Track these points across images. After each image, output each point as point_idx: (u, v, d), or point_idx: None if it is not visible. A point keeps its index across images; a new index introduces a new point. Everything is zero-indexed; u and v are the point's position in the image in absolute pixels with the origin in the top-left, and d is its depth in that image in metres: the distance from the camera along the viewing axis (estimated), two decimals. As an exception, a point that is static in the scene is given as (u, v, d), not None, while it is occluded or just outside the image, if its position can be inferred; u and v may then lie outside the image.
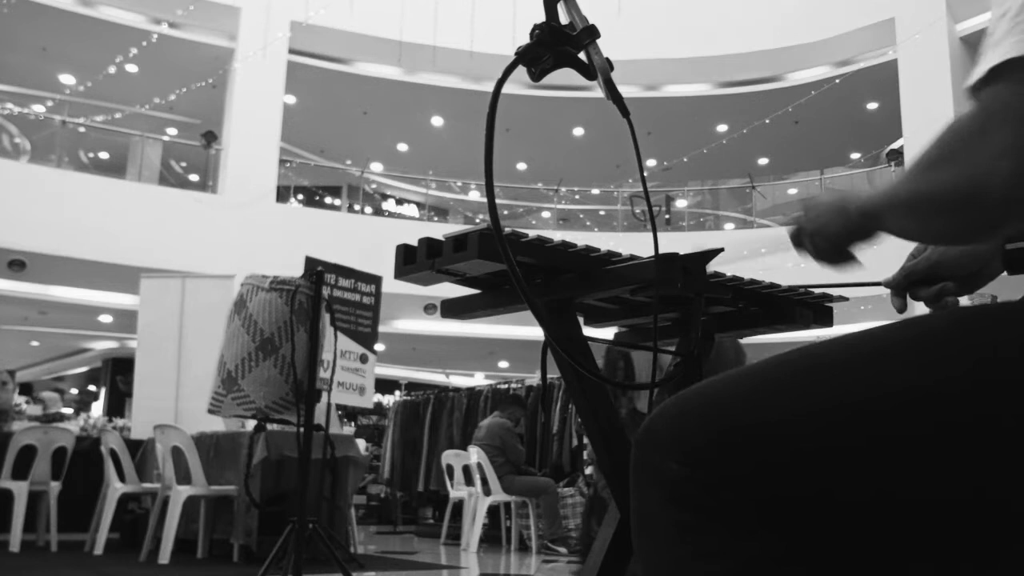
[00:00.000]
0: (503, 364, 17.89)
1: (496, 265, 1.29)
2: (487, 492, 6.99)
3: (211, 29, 13.98)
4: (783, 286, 1.57)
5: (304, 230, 12.80)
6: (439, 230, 1.59)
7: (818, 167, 15.70)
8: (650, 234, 1.18)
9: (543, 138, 16.62)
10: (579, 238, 1.49)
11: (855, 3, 13.51)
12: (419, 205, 18.03)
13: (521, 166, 17.70)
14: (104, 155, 15.17)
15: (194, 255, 11.59)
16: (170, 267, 10.34)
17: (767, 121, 14.57)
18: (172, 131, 15.31)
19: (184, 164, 15.29)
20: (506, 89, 0.98)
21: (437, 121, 16.62)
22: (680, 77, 15.09)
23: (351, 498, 5.94)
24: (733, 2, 14.26)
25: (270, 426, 4.60)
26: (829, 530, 0.78)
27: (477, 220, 16.20)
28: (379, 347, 7.36)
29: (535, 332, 12.54)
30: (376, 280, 7.37)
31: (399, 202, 18.59)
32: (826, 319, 1.64)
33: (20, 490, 5.78)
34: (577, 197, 16.86)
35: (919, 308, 1.14)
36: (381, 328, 7.50)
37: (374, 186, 18.03)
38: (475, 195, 16.79)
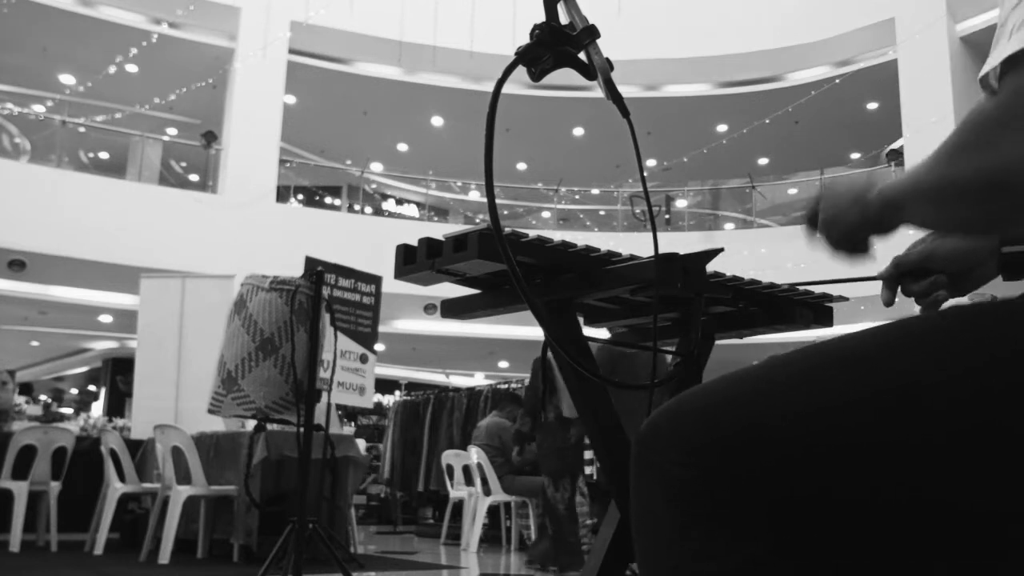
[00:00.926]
0: (503, 364, 17.89)
1: (496, 265, 1.29)
2: (487, 492, 6.99)
3: (211, 29, 13.98)
4: (783, 286, 1.57)
5: (304, 230, 12.80)
6: (439, 230, 1.59)
7: (818, 167, 15.70)
8: (650, 234, 1.18)
9: (543, 138, 16.62)
10: (579, 238, 1.49)
11: (855, 3, 13.51)
12: (419, 205, 18.03)
13: (521, 166, 17.70)
14: (104, 155, 15.17)
15: (194, 255, 11.59)
16: (170, 267, 10.33)
17: (767, 121, 14.57)
18: (172, 131, 15.31)
19: (184, 164, 15.29)
20: (506, 89, 0.98)
21: (437, 121, 16.62)
22: (680, 77, 15.09)
23: (351, 498, 5.94)
24: (733, 2, 14.26)
25: (270, 426, 4.60)
26: (830, 529, 0.77)
27: (477, 220, 16.20)
28: (379, 347, 7.36)
29: (535, 332, 12.55)
30: (376, 280, 7.37)
31: (399, 202, 18.59)
32: (826, 319, 1.64)
33: (20, 490, 5.78)
34: (577, 197, 16.86)
35: (909, 306, 1.13)
36: (381, 328, 7.50)
37: (374, 186, 18.03)
38: (475, 195, 16.79)
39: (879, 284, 1.19)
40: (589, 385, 1.46)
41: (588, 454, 7.65)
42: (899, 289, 1.17)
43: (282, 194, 14.64)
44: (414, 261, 1.39)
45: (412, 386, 14.50)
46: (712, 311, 1.61)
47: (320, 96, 15.44)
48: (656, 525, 0.81)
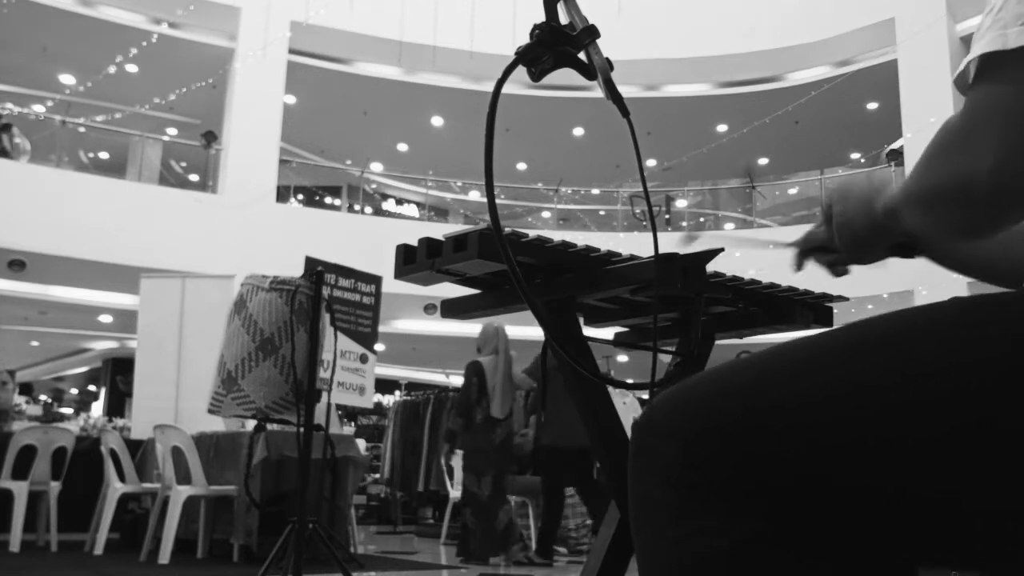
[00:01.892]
0: (503, 364, 17.87)
1: (496, 265, 1.29)
2: (487, 492, 6.98)
3: (211, 29, 13.98)
4: (783, 286, 1.57)
5: (304, 230, 12.80)
6: (439, 230, 1.59)
7: (818, 167, 15.70)
8: (650, 234, 1.18)
9: (543, 138, 16.62)
10: (579, 238, 1.49)
11: (855, 3, 13.51)
12: (419, 205, 18.03)
13: (521, 166, 17.70)
14: (104, 155, 15.17)
15: (194, 255, 11.59)
16: (170, 267, 10.33)
17: (767, 121, 14.57)
18: (172, 131, 15.31)
19: (184, 164, 15.29)
20: (506, 89, 0.98)
21: (437, 121, 16.61)
22: (680, 77, 15.09)
23: (351, 498, 5.94)
24: (733, 2, 14.26)
25: (270, 426, 4.60)
26: (825, 516, 0.78)
27: (477, 220, 16.20)
28: (379, 347, 7.36)
29: (535, 332, 12.49)
30: (376, 280, 7.37)
31: (399, 202, 18.59)
32: (826, 319, 1.65)
33: (20, 490, 5.78)
34: (577, 197, 16.86)
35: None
36: (381, 328, 7.50)
37: (374, 186, 18.03)
38: (475, 195, 16.78)
39: (879, 285, 1.20)
40: (589, 385, 1.46)
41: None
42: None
43: (282, 194, 14.64)
44: (414, 261, 1.39)
45: (412, 386, 14.49)
46: (712, 311, 1.61)
47: (320, 96, 15.44)
48: (653, 508, 0.81)
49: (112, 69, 13.57)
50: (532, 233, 1.36)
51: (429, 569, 5.66)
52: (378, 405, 11.88)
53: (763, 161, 17.36)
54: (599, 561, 1.44)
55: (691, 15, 14.37)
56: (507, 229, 1.25)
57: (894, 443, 0.74)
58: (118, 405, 16.52)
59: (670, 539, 0.80)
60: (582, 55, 1.07)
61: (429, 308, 13.48)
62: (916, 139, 12.39)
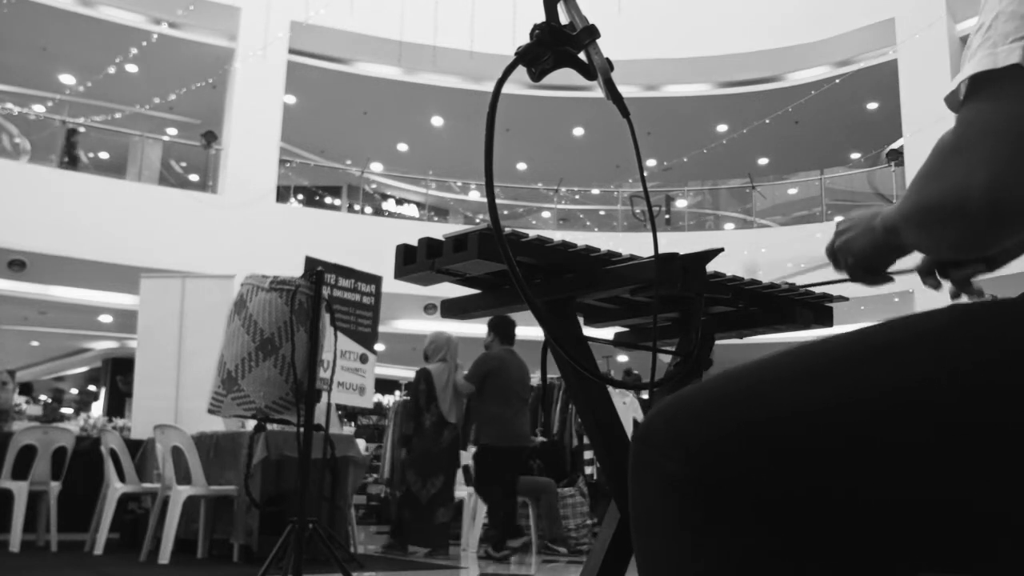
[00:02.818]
0: (503, 364, 17.87)
1: (496, 265, 1.29)
2: (487, 492, 6.99)
3: (211, 29, 13.98)
4: (783, 286, 1.57)
5: (304, 230, 12.80)
6: (439, 230, 1.59)
7: (818, 167, 15.70)
8: (650, 234, 1.18)
9: (543, 138, 16.61)
10: (579, 238, 1.49)
11: (855, 3, 13.52)
12: (419, 205, 18.02)
13: (521, 166, 17.70)
14: (104, 155, 15.17)
15: (194, 255, 11.59)
16: (170, 267, 10.34)
17: (767, 121, 14.57)
18: (172, 131, 15.31)
19: (184, 164, 15.29)
20: (506, 89, 0.98)
21: (437, 121, 16.61)
22: (680, 77, 15.09)
23: (351, 498, 5.94)
24: (733, 2, 14.26)
25: (270, 426, 4.60)
26: (827, 526, 0.78)
27: (477, 220, 16.20)
28: (379, 347, 7.36)
29: (535, 332, 12.49)
30: (376, 280, 7.37)
31: (399, 202, 18.59)
32: (826, 319, 1.65)
33: (20, 490, 5.78)
34: (577, 197, 16.86)
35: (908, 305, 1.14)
36: (381, 328, 7.51)
37: (374, 186, 18.02)
38: (475, 195, 16.78)
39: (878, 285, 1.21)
40: (589, 385, 1.46)
41: (588, 454, 7.69)
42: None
43: (282, 194, 14.64)
44: (414, 261, 1.39)
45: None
46: (712, 311, 1.61)
47: (320, 96, 15.44)
48: (654, 522, 0.81)
49: (112, 69, 13.57)
50: (532, 233, 1.36)
51: (429, 569, 5.66)
52: (378, 405, 11.88)
53: (763, 161, 17.36)
54: (599, 561, 1.44)
55: (691, 15, 14.37)
56: (507, 229, 1.25)
57: (896, 451, 0.74)
58: (118, 405, 16.52)
59: (672, 554, 0.79)
60: (582, 55, 1.07)
61: (429, 308, 13.48)
62: (916, 139, 12.39)
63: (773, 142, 16.08)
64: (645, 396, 7.78)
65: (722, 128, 15.86)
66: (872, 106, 15.33)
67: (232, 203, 12.88)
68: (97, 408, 17.12)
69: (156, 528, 5.41)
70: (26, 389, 13.10)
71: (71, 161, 12.74)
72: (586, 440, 7.69)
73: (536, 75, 1.05)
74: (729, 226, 16.20)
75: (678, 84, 15.29)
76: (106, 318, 14.86)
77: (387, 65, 14.77)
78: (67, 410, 13.41)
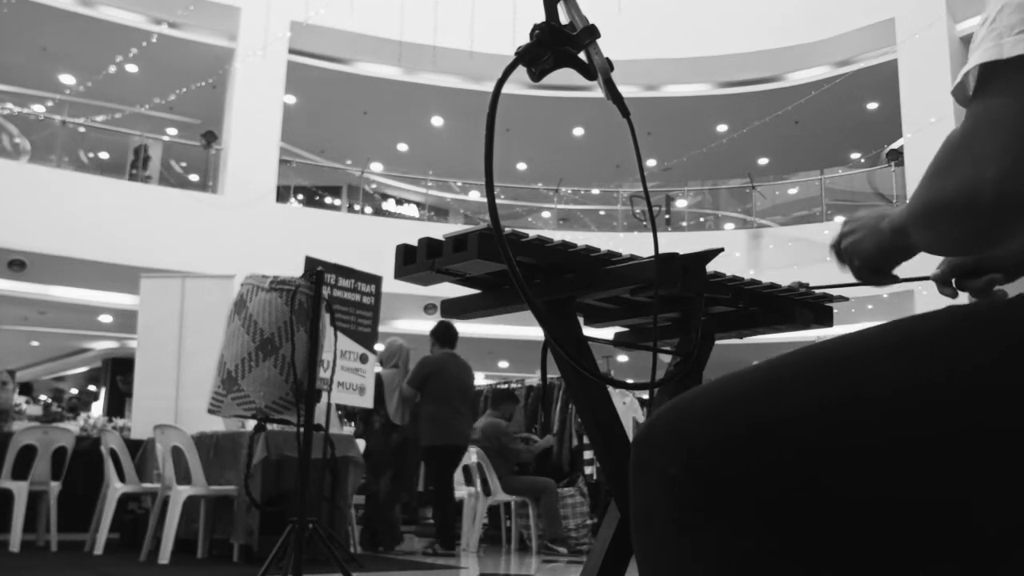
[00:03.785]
0: (503, 364, 17.89)
1: (496, 265, 1.29)
2: (487, 492, 6.99)
3: (211, 29, 13.98)
4: (784, 286, 1.57)
5: (304, 230, 12.80)
6: (439, 230, 1.59)
7: (818, 167, 15.70)
8: (650, 234, 1.18)
9: (543, 138, 16.61)
10: (579, 238, 1.49)
11: (855, 3, 13.51)
12: (419, 205, 18.02)
13: (521, 166, 17.70)
14: (104, 155, 15.17)
15: (194, 255, 11.59)
16: (170, 267, 10.33)
17: (767, 121, 14.57)
18: (172, 131, 15.31)
19: (184, 164, 15.29)
20: (506, 89, 0.98)
21: (437, 121, 16.61)
22: (680, 77, 15.09)
23: (351, 498, 5.95)
24: (733, 2, 14.26)
25: (270, 426, 4.60)
26: (828, 528, 0.78)
27: (477, 220, 16.20)
28: (379, 347, 7.36)
29: (535, 332, 12.54)
30: (376, 280, 7.36)
31: (399, 202, 18.58)
32: (826, 319, 1.64)
33: (20, 490, 5.78)
34: (577, 197, 16.85)
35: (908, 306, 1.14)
36: (381, 328, 7.50)
37: (374, 186, 18.02)
38: (475, 195, 16.78)
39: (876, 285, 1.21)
40: (589, 385, 1.46)
41: (588, 454, 7.69)
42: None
43: (282, 194, 14.63)
44: (414, 261, 1.39)
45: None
46: (712, 311, 1.61)
47: (320, 96, 15.44)
48: (655, 524, 0.81)
49: (112, 69, 13.57)
50: (532, 233, 1.36)
51: (429, 569, 5.66)
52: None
53: (763, 161, 17.35)
54: (599, 561, 1.44)
55: (691, 15, 14.37)
56: (507, 229, 1.25)
57: (896, 452, 0.74)
58: (118, 405, 16.51)
59: (673, 556, 0.79)
60: (582, 55, 1.07)
61: (429, 308, 13.48)
62: (916, 139, 12.39)
63: (773, 142, 16.07)
64: (645, 396, 7.79)
65: (722, 128, 15.85)
66: (872, 106, 15.33)
67: (232, 203, 12.88)
68: (97, 408, 17.10)
69: (156, 528, 5.41)
70: (26, 389, 13.09)
71: (143, 176, 12.96)
72: (586, 440, 7.69)
73: (536, 75, 1.05)
74: (729, 226, 16.20)
75: (678, 84, 15.28)
76: (106, 318, 14.86)
77: (387, 65, 14.77)
78: (70, 414, 13.39)
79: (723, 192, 17.19)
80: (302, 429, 3.50)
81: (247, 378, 3.44)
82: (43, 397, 15.26)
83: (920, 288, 10.92)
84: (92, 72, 13.78)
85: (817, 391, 0.78)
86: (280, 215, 13.41)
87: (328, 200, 17.65)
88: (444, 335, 6.81)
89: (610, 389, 1.59)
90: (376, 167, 17.99)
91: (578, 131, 16.66)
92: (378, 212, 17.24)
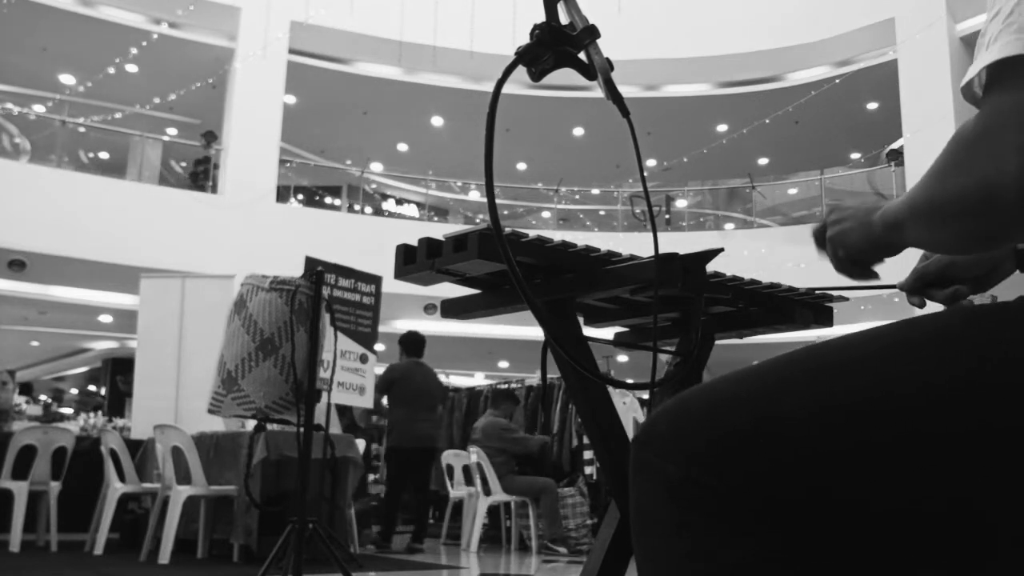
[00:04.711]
0: (503, 364, 17.89)
1: (496, 265, 1.29)
2: (487, 492, 7.00)
3: (211, 29, 13.98)
4: (784, 286, 1.57)
5: (304, 230, 12.80)
6: (439, 230, 1.59)
7: (818, 167, 15.70)
8: (650, 234, 1.18)
9: (543, 138, 16.61)
10: (579, 238, 1.49)
11: (855, 3, 13.51)
12: (419, 205, 18.02)
13: (521, 166, 17.70)
14: (104, 155, 15.17)
15: (194, 255, 11.59)
16: (170, 267, 10.33)
17: (767, 121, 14.57)
18: (172, 131, 15.31)
19: (184, 164, 15.29)
20: (506, 89, 0.98)
21: (437, 121, 16.61)
22: (680, 77, 15.09)
23: (351, 498, 5.95)
24: (733, 2, 14.26)
25: (270, 426, 4.60)
26: (829, 530, 0.77)
27: (477, 220, 16.20)
28: (379, 347, 7.37)
29: (535, 332, 12.54)
30: (376, 280, 7.36)
31: (399, 202, 18.58)
32: (826, 319, 1.64)
33: (20, 490, 5.78)
34: (577, 197, 16.85)
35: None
36: (381, 328, 7.50)
37: (374, 186, 18.02)
38: (475, 195, 16.78)
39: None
40: (589, 385, 1.46)
41: (588, 454, 7.69)
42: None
43: (282, 194, 14.63)
44: (414, 261, 1.39)
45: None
46: (712, 311, 1.61)
47: (320, 96, 15.44)
48: (654, 525, 0.81)
49: (112, 69, 13.57)
50: (532, 233, 1.36)
51: (429, 569, 5.66)
52: (378, 405, 11.87)
53: (763, 161, 17.35)
54: (599, 561, 1.44)
55: (691, 15, 14.37)
56: (507, 229, 1.25)
57: (900, 453, 0.74)
58: (118, 405, 16.51)
59: (673, 556, 0.79)
60: (582, 55, 1.07)
61: (429, 308, 13.48)
62: (916, 139, 12.38)
63: (773, 142, 16.07)
64: (645, 396, 7.78)
65: (722, 128, 15.85)
66: (872, 106, 15.33)
67: (232, 203, 12.87)
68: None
69: (156, 528, 5.41)
70: (26, 389, 13.08)
71: (201, 187, 13.10)
72: (586, 440, 7.69)
73: (536, 75, 1.05)
74: (729, 226, 16.20)
75: (678, 84, 15.28)
76: (106, 318, 14.86)
77: (387, 65, 14.77)
78: (67, 410, 13.39)
79: (723, 192, 17.19)
80: (302, 429, 3.50)
81: (247, 378, 3.44)
82: (43, 397, 15.27)
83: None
84: (92, 72, 13.78)
85: (820, 391, 0.78)
86: (280, 215, 13.41)
87: (328, 200, 17.66)
88: (410, 344, 7.07)
89: (610, 389, 1.59)
90: (376, 167, 18.00)
91: (578, 131, 16.66)
92: (378, 212, 17.25)
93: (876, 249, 0.93)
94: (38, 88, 14.86)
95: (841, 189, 15.47)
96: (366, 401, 7.26)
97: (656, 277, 1.28)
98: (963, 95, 0.78)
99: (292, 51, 14.02)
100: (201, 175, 13.84)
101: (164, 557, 5.09)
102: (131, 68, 14.10)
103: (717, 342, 1.66)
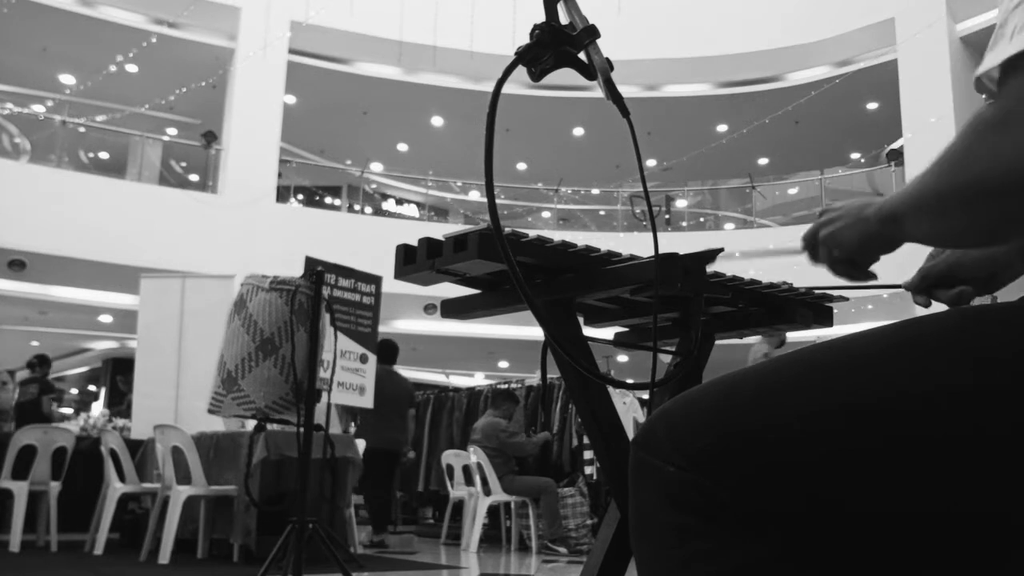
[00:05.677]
0: (503, 364, 17.89)
1: (496, 265, 1.29)
2: (487, 492, 7.00)
3: (211, 29, 13.98)
4: (784, 286, 1.57)
5: (304, 230, 12.80)
6: (439, 230, 1.59)
7: (818, 167, 15.70)
8: (650, 234, 1.18)
9: (543, 138, 16.61)
10: (579, 238, 1.49)
11: (855, 3, 13.51)
12: (419, 205, 18.02)
13: (521, 166, 17.70)
14: (104, 155, 15.17)
15: (194, 255, 11.59)
16: (170, 267, 10.33)
17: (767, 121, 14.57)
18: (172, 131, 15.30)
19: (184, 164, 15.29)
20: (506, 89, 0.98)
21: (437, 121, 16.61)
22: (680, 77, 15.09)
23: (350, 498, 5.95)
24: (733, 2, 14.25)
25: (270, 426, 4.60)
26: (827, 533, 0.77)
27: (477, 220, 16.19)
28: (379, 347, 7.37)
29: (535, 332, 12.55)
30: (376, 280, 7.36)
31: (399, 202, 18.58)
32: (826, 319, 1.64)
33: (20, 490, 5.78)
34: (577, 197, 16.85)
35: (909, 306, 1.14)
36: (381, 328, 7.50)
37: (374, 186, 18.02)
38: (475, 195, 16.78)
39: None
40: (589, 385, 1.46)
41: (588, 454, 7.69)
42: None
43: (282, 194, 14.63)
44: (414, 261, 1.39)
45: (412, 386, 14.48)
46: (712, 311, 1.61)
47: (320, 96, 15.44)
48: (653, 528, 0.80)
49: (112, 69, 13.56)
50: (532, 233, 1.36)
51: (429, 569, 5.66)
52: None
53: (763, 161, 17.35)
54: (599, 561, 1.44)
55: (691, 15, 14.37)
56: (507, 229, 1.25)
57: (900, 456, 0.73)
58: (118, 405, 16.49)
59: (671, 560, 0.79)
60: (582, 55, 1.07)
61: (429, 308, 13.47)
62: (916, 139, 12.38)
63: (773, 142, 16.07)
64: (645, 396, 7.79)
65: (722, 128, 15.85)
66: (872, 106, 15.33)
67: (232, 203, 12.87)
68: (97, 407, 17.10)
69: (156, 528, 5.41)
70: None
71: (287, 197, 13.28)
72: (586, 440, 7.69)
73: (536, 75, 1.05)
74: (729, 226, 16.20)
75: (678, 84, 15.28)
76: (106, 318, 14.86)
77: (387, 65, 14.77)
78: (67, 410, 13.39)
79: (723, 192, 17.19)
80: (302, 429, 3.50)
81: (247, 378, 3.44)
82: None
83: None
84: (92, 72, 13.78)
85: (819, 393, 0.77)
86: (280, 215, 13.41)
87: (328, 200, 17.66)
88: (384, 352, 7.35)
89: (610, 389, 1.59)
90: (376, 167, 18.00)
91: (578, 131, 16.66)
92: (378, 212, 17.25)
93: (872, 245, 0.91)
94: (38, 88, 14.86)
95: (841, 189, 15.47)
96: (366, 401, 7.26)
97: (656, 277, 1.27)
98: (975, 86, 0.76)
99: (292, 51, 14.02)
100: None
101: (164, 557, 5.09)
102: (131, 68, 14.10)
103: (717, 342, 1.66)
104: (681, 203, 16.44)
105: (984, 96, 0.77)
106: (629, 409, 7.70)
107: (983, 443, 0.72)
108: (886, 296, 11.42)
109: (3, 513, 5.87)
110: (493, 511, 7.62)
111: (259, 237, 12.36)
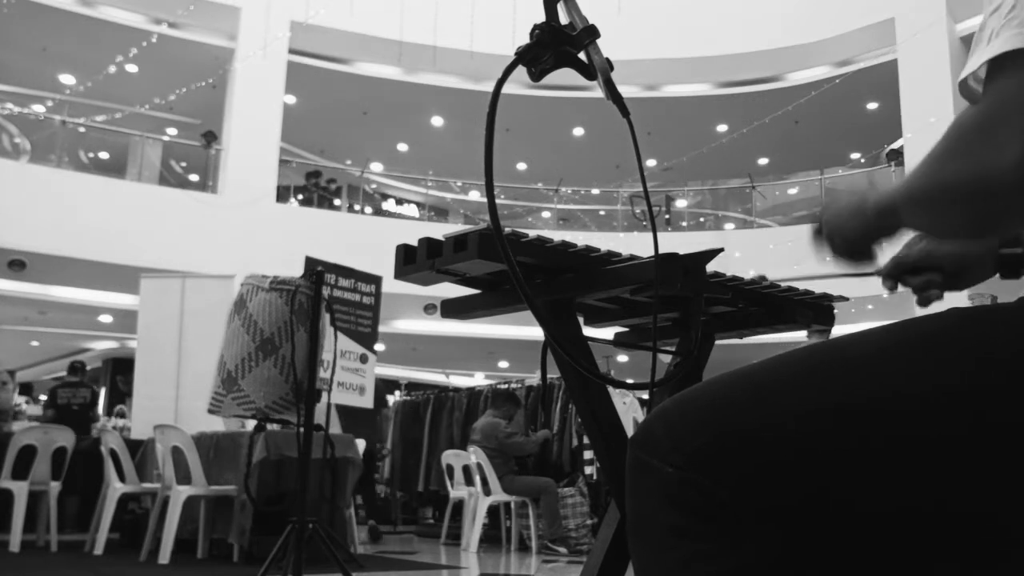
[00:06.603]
0: (503, 364, 17.89)
1: (496, 265, 1.29)
2: (487, 492, 6.99)
3: (211, 29, 13.98)
4: (783, 285, 1.57)
5: (304, 230, 12.80)
6: (439, 230, 1.59)
7: (818, 167, 15.70)
8: (650, 234, 1.18)
9: (543, 138, 16.61)
10: (579, 238, 1.49)
11: (855, 3, 13.51)
12: (419, 205, 18.02)
13: (521, 166, 17.70)
14: (104, 155, 15.17)
15: (194, 255, 11.59)
16: (170, 267, 10.33)
17: (767, 121, 14.57)
18: (172, 131, 15.30)
19: (184, 164, 15.29)
20: (506, 89, 0.98)
21: (437, 121, 16.61)
22: (680, 77, 15.09)
23: (350, 498, 5.94)
24: (733, 2, 14.26)
25: (270, 426, 4.60)
26: (825, 533, 0.77)
27: (477, 220, 16.19)
28: (379, 347, 7.37)
29: (535, 332, 12.54)
30: (376, 280, 7.36)
31: (399, 202, 18.58)
32: (826, 319, 1.64)
33: (20, 490, 5.78)
34: (577, 197, 16.85)
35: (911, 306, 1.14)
36: (381, 328, 7.51)
37: (374, 186, 18.02)
38: (475, 195, 16.78)
39: (879, 285, 1.23)
40: (589, 385, 1.46)
41: (588, 454, 7.69)
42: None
43: (282, 194, 14.63)
44: (414, 261, 1.39)
45: (412, 386, 14.48)
46: (712, 311, 1.61)
47: (320, 96, 15.44)
48: (652, 528, 0.80)
49: (112, 69, 13.56)
50: (532, 233, 1.36)
51: (429, 569, 5.66)
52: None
53: (763, 161, 17.35)
54: (599, 561, 1.44)
55: (691, 15, 14.37)
56: (507, 229, 1.25)
57: (899, 455, 0.74)
58: (119, 402, 16.49)
59: (670, 561, 0.79)
60: (582, 55, 1.07)
61: (429, 308, 13.47)
62: (916, 139, 12.38)
63: (773, 142, 16.07)
64: (645, 396, 7.79)
65: (722, 128, 15.85)
66: (872, 106, 15.33)
67: (232, 203, 12.87)
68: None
69: (156, 528, 5.41)
70: (26, 389, 13.08)
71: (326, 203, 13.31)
72: (586, 440, 7.69)
73: (536, 75, 1.05)
74: (729, 226, 16.20)
75: (678, 84, 15.28)
76: (106, 318, 14.86)
77: (387, 65, 14.77)
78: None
79: (723, 192, 17.19)
80: (302, 429, 3.50)
81: (247, 378, 3.44)
82: (43, 397, 15.24)
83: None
84: (92, 72, 13.78)
85: (817, 393, 0.77)
86: (280, 215, 13.41)
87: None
88: None
89: (610, 389, 1.59)
90: (376, 167, 18.00)
91: (578, 131, 16.66)
92: (378, 212, 17.24)
93: (870, 237, 0.95)
94: (38, 88, 14.86)
95: (841, 189, 15.45)
96: (366, 401, 7.26)
97: (656, 277, 1.27)
98: (960, 91, 0.78)
99: (292, 51, 14.02)
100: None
101: (164, 557, 5.09)
102: (131, 68, 14.10)
103: (717, 342, 1.66)
104: (681, 203, 16.44)
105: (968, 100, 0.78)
106: (629, 409, 7.70)
107: (982, 443, 0.72)
108: (886, 296, 11.41)
109: (3, 513, 5.87)
110: (493, 511, 7.62)
111: (259, 237, 12.36)
